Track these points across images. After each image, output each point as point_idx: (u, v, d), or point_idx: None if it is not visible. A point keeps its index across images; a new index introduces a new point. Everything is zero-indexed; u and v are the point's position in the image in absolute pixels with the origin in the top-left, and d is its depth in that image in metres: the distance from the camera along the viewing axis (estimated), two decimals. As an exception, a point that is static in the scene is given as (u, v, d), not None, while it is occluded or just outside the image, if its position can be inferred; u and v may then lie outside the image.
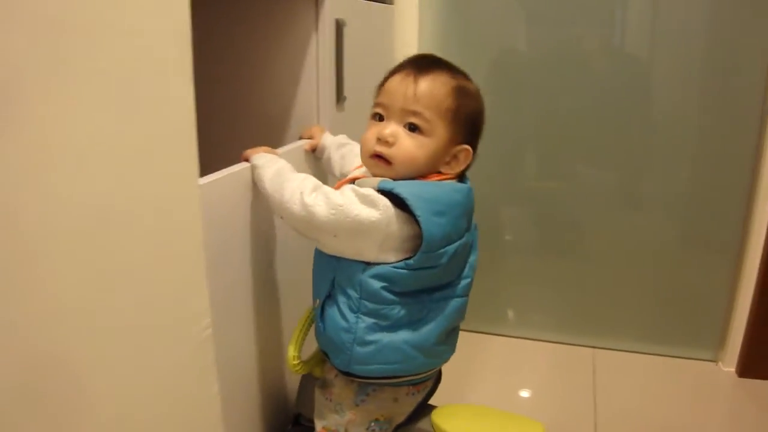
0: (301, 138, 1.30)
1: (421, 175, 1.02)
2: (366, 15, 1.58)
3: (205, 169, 0.95)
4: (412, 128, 1.00)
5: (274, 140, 1.36)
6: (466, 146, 1.03)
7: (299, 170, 1.06)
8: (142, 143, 0.73)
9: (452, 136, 1.02)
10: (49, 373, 0.63)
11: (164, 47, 0.76)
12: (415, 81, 1.00)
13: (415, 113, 1.00)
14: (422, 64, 1.03)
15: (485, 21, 1.90)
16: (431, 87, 1.00)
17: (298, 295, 1.24)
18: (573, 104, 1.88)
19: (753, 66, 1.71)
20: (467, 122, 1.03)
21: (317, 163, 1.31)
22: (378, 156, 1.02)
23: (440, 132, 1.01)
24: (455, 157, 1.04)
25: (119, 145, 0.69)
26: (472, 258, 1.10)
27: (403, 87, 1.01)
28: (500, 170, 1.95)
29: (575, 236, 2.02)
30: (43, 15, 0.58)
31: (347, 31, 1.38)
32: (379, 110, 1.04)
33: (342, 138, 1.29)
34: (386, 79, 1.06)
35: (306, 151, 1.27)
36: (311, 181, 1.00)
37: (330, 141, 1.28)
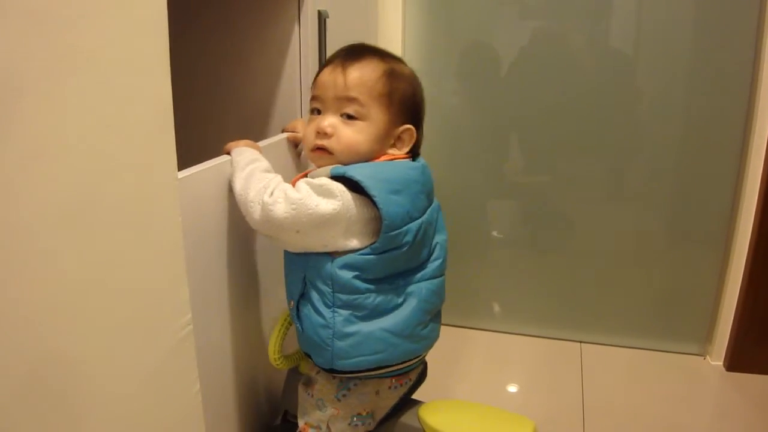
0: (283, 131, 1.29)
1: (368, 160, 1.03)
2: (349, 7, 1.57)
3: (189, 163, 0.94)
4: (349, 117, 1.02)
5: (256, 133, 1.34)
6: (409, 126, 1.05)
7: (281, 163, 1.05)
8: (118, 137, 0.71)
9: (391, 118, 1.03)
10: (25, 371, 0.61)
11: (140, 39, 0.74)
12: (344, 70, 1.02)
13: (349, 100, 1.01)
14: (350, 53, 1.05)
15: (470, 14, 1.89)
16: (361, 73, 1.02)
17: (280, 289, 1.22)
18: (558, 99, 1.87)
19: (739, 59, 1.70)
20: (403, 103, 1.05)
21: (298, 156, 1.29)
22: (320, 148, 1.03)
23: (377, 116, 1.02)
24: (399, 138, 1.05)
25: (95, 139, 0.68)
26: (441, 238, 1.11)
27: (333, 77, 1.03)
28: (486, 165, 1.94)
29: (562, 231, 2.01)
30: (19, 10, 0.56)
31: (330, 23, 1.36)
32: (315, 104, 1.06)
33: None
34: (318, 72, 1.08)
35: (288, 144, 1.25)
36: (275, 181, 0.99)
37: None
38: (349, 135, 1.02)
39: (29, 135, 0.59)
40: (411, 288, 1.04)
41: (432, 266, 1.07)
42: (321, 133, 1.02)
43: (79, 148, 0.66)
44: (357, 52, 1.05)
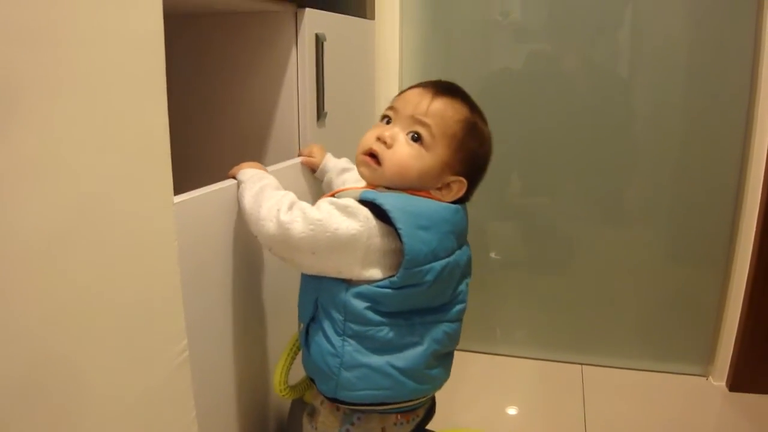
0: (299, 155, 1.28)
1: (407, 191, 0.99)
2: (346, 30, 1.57)
3: (186, 187, 0.93)
4: (415, 138, 0.99)
5: (255, 155, 1.34)
6: (462, 179, 1.02)
7: (295, 188, 1.04)
8: (111, 161, 0.71)
9: (450, 163, 1.00)
10: (17, 399, 0.60)
11: (135, 62, 0.74)
12: (434, 97, 1.00)
13: (423, 124, 0.99)
14: (446, 87, 1.03)
15: (467, 37, 1.90)
16: (445, 108, 1.00)
17: (282, 317, 1.21)
18: (556, 120, 1.87)
19: (736, 79, 1.71)
20: (468, 157, 1.02)
21: (314, 181, 1.28)
22: (371, 155, 1.00)
23: (440, 152, 0.99)
24: (448, 186, 1.02)
25: (87, 162, 0.67)
26: (465, 282, 1.07)
27: (418, 98, 1.01)
28: (485, 187, 1.92)
29: (562, 252, 2.01)
30: (13, 27, 0.56)
31: (327, 46, 1.36)
32: (389, 113, 1.04)
33: (344, 162, 1.26)
34: (406, 89, 1.06)
35: (303, 169, 1.25)
36: (289, 198, 0.97)
37: (333, 165, 1.25)
38: (405, 153, 0.99)
39: (20, 156, 0.58)
40: (427, 328, 1.00)
41: (454, 309, 1.04)
42: (380, 140, 1.00)
43: (72, 172, 0.65)
44: (453, 91, 1.03)
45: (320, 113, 1.37)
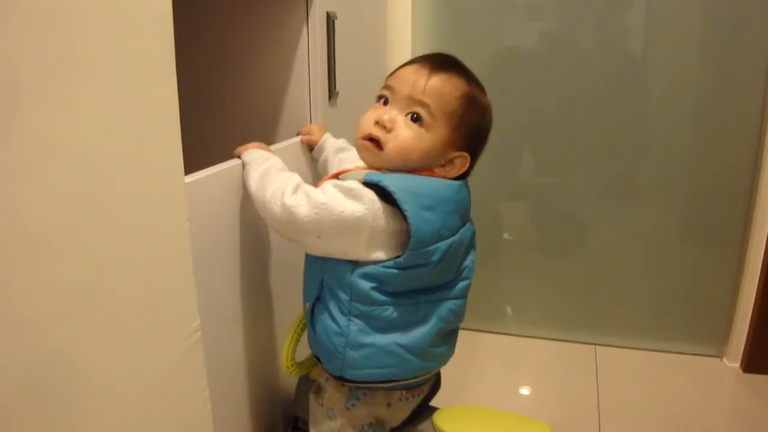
0: (298, 134, 1.27)
1: (411, 171, 0.99)
2: (358, 8, 1.55)
3: (196, 167, 0.93)
4: (414, 118, 0.97)
5: (266, 136, 1.33)
6: (465, 154, 1.00)
7: (296, 167, 1.03)
8: (122, 141, 0.70)
9: (451, 140, 0.98)
10: (29, 376, 0.60)
11: (145, 42, 0.73)
12: (430, 74, 0.98)
13: (421, 103, 0.97)
14: (441, 62, 1.01)
15: (480, 15, 1.88)
16: (443, 84, 0.98)
17: (291, 295, 1.21)
18: (569, 100, 1.85)
19: (753, 56, 1.68)
20: (470, 132, 1.00)
21: (314, 160, 1.28)
22: (371, 139, 0.99)
23: (440, 131, 0.97)
24: (451, 162, 1.00)
25: (98, 142, 0.67)
26: (470, 259, 1.06)
27: (415, 77, 0.98)
28: (497, 167, 1.93)
29: (575, 232, 2.00)
30: (21, 11, 0.56)
31: (339, 25, 1.35)
32: (385, 93, 1.02)
33: (342, 142, 1.25)
34: (400, 66, 1.04)
35: (302, 147, 1.24)
36: (294, 180, 0.97)
37: (330, 144, 1.25)
38: (406, 136, 0.97)
39: (32, 138, 0.58)
40: (432, 306, 1.00)
41: (458, 286, 1.04)
42: (380, 124, 0.98)
43: (83, 152, 0.65)
44: (448, 64, 1.01)
45: (332, 93, 1.36)
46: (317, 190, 0.94)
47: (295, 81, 1.32)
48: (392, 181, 0.92)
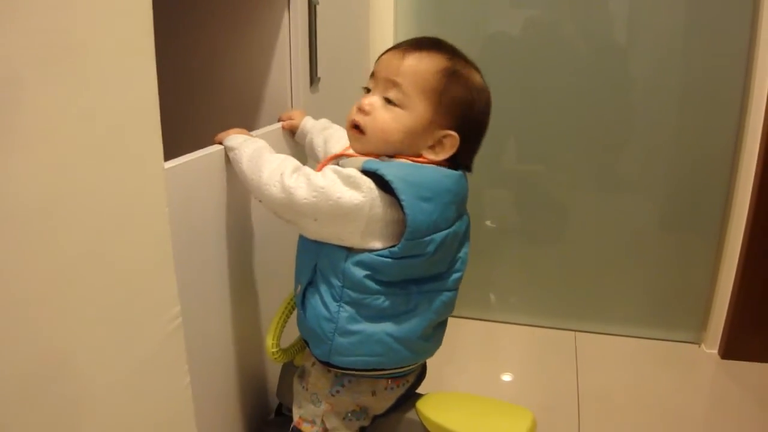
0: (280, 120, 1.27)
1: (401, 154, 0.98)
2: (340, -6, 1.54)
3: (178, 153, 0.92)
4: (389, 101, 0.97)
5: (247, 122, 1.32)
6: (452, 133, 0.98)
7: (278, 152, 1.02)
8: (101, 126, 0.70)
9: (434, 118, 0.97)
10: (11, 363, 0.60)
11: (124, 26, 0.72)
12: (404, 55, 0.98)
13: (394, 84, 0.97)
14: (419, 42, 1.00)
15: (463, 2, 1.87)
16: (418, 63, 0.97)
17: (275, 282, 1.21)
18: (552, 87, 1.85)
19: (734, 46, 1.69)
20: (455, 108, 0.98)
21: (296, 145, 1.27)
22: (355, 126, 0.99)
23: (419, 108, 0.96)
24: (440, 142, 0.99)
25: (76, 127, 0.66)
26: (463, 251, 1.07)
27: (391, 59, 0.99)
28: (480, 154, 1.92)
29: (556, 219, 2.01)
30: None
31: (320, 10, 1.34)
32: (369, 82, 1.02)
33: (324, 122, 1.25)
34: (383, 53, 1.03)
35: (284, 132, 1.24)
36: (291, 161, 0.97)
37: (312, 125, 1.24)
38: (384, 119, 0.97)
39: (5, 124, 0.57)
40: (424, 297, 1.00)
41: (451, 278, 1.03)
42: (360, 110, 0.98)
43: (61, 137, 0.64)
44: (425, 44, 0.99)
45: (313, 79, 1.35)
46: (317, 173, 0.93)
47: (276, 67, 1.31)
48: (391, 170, 0.92)
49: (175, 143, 0.90)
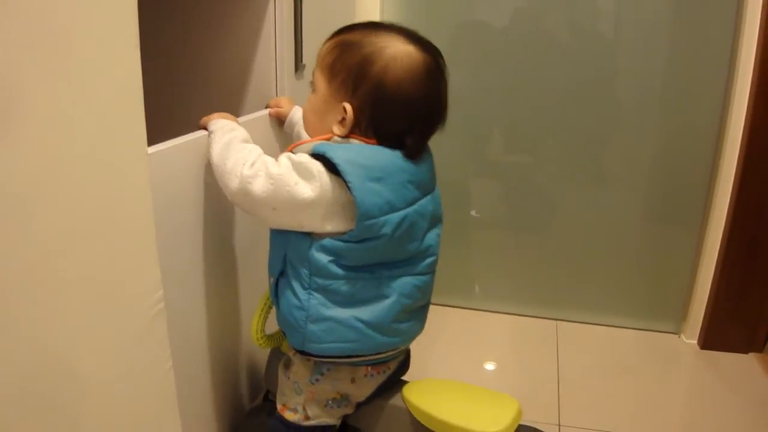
0: (267, 107, 1.26)
1: (318, 134, 1.00)
2: (326, -20, 1.54)
3: (162, 138, 0.92)
4: (312, 89, 1.03)
5: (232, 108, 1.31)
6: (345, 103, 0.95)
7: (263, 139, 1.03)
8: (84, 111, 0.70)
9: (331, 93, 0.98)
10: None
11: (107, 13, 0.72)
12: (323, 44, 1.02)
13: (312, 72, 1.02)
14: (338, 29, 1.02)
15: (450, -10, 1.87)
16: (322, 46, 1.01)
17: (258, 267, 1.21)
18: (538, 78, 1.86)
19: (718, 41, 1.70)
20: (347, 77, 0.95)
21: (283, 133, 1.27)
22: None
23: (320, 87, 0.99)
24: (343, 117, 0.97)
25: (59, 112, 0.66)
26: (434, 233, 1.05)
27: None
28: (465, 144, 1.93)
29: (539, 210, 2.01)
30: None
31: (306, 2, 1.33)
32: None
33: None
34: None
35: (271, 120, 1.24)
36: (255, 152, 0.96)
37: (299, 116, 1.23)
38: (305, 107, 1.04)
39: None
40: (394, 281, 1.00)
41: (424, 263, 1.03)
42: None
43: (43, 122, 0.64)
44: (343, 28, 1.00)
45: (298, 65, 1.35)
46: (274, 162, 0.94)
47: (261, 53, 1.31)
48: (338, 153, 0.91)
49: (160, 129, 0.90)
